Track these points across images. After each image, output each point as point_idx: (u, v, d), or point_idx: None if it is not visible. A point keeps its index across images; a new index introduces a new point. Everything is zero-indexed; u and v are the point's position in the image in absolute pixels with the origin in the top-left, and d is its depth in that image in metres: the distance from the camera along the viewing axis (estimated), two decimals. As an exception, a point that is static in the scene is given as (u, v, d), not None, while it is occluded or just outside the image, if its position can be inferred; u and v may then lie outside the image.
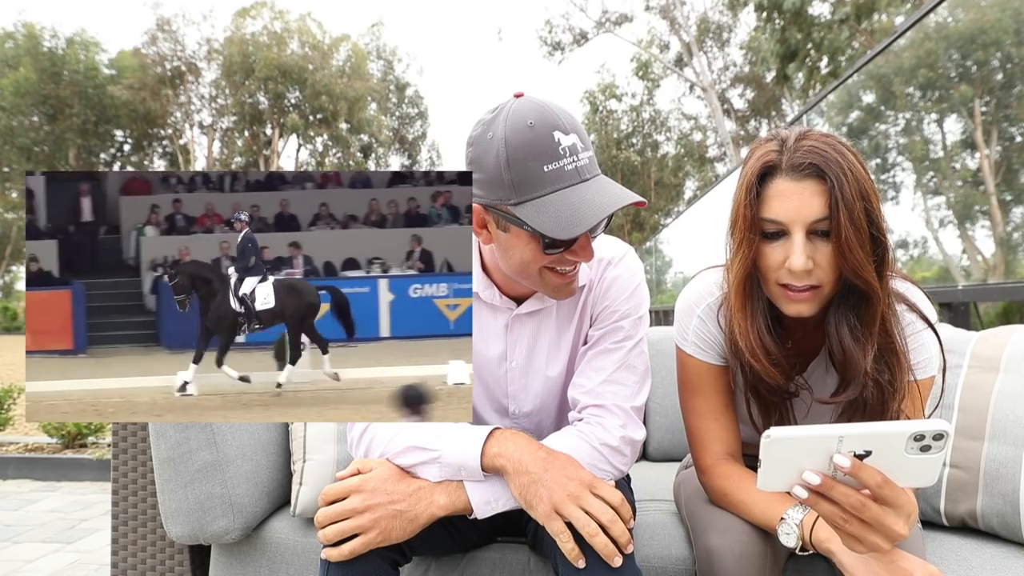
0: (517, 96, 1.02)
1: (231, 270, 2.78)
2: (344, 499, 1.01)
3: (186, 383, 2.74)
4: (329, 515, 1.00)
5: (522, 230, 0.99)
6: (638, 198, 0.96)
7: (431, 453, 1.04)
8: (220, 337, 2.71)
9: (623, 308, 1.18)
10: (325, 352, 2.75)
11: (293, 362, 2.73)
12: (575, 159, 0.97)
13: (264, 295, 2.71)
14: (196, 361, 2.71)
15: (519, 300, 1.20)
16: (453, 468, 1.03)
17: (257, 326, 2.71)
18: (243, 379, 2.74)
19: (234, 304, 2.70)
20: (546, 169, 0.96)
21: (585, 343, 1.21)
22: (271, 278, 2.78)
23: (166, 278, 2.75)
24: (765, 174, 0.99)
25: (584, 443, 1.09)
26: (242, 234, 2.85)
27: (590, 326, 1.21)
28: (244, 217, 2.89)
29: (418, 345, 4.18)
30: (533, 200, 0.96)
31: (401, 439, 1.06)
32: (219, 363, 2.69)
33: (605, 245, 1.21)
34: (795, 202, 0.96)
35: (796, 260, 0.96)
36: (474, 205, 1.05)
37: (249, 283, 2.74)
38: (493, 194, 0.99)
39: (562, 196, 0.96)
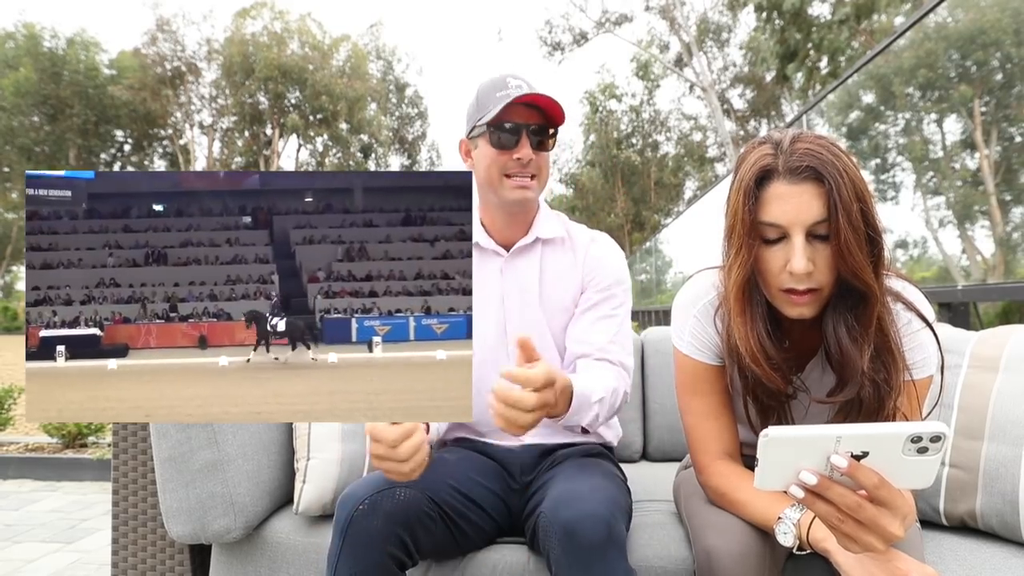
0: None
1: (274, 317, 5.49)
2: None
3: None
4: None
5: (483, 138, 1.31)
6: (559, 100, 1.26)
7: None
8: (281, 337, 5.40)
9: (616, 275, 1.39)
10: (308, 347, 5.31)
11: (308, 346, 5.36)
12: (520, 86, 1.30)
13: (281, 325, 5.37)
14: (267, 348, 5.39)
15: (510, 249, 1.41)
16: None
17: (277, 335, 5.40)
18: (276, 358, 5.12)
19: (280, 327, 5.38)
20: (498, 95, 1.30)
21: (577, 308, 1.39)
22: (285, 317, 5.46)
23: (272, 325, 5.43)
24: (762, 178, 0.99)
25: (612, 376, 1.27)
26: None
27: (582, 292, 1.39)
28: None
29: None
30: (487, 112, 1.30)
31: None
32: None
33: (584, 228, 1.47)
34: (794, 205, 0.96)
35: (797, 263, 0.96)
36: (461, 141, 1.39)
37: (276, 321, 5.39)
38: (469, 124, 1.36)
39: (503, 98, 1.28)
